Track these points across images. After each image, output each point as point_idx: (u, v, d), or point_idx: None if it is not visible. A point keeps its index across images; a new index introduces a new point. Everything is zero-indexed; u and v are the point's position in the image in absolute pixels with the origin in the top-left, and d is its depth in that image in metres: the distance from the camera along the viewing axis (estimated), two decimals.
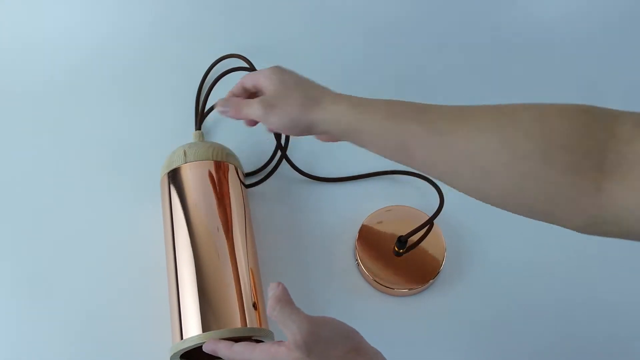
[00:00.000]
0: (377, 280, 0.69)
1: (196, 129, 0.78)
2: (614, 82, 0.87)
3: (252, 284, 0.63)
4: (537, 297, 0.71)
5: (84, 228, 0.73)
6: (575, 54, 0.89)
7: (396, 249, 0.69)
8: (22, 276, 0.70)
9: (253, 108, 0.58)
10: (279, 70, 0.58)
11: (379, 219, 0.73)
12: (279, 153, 0.75)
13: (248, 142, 0.79)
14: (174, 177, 0.67)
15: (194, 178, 0.66)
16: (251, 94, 0.62)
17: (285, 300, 0.47)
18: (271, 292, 0.48)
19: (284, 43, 0.88)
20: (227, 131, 0.81)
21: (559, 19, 0.92)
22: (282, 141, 0.74)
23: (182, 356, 0.60)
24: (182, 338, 0.59)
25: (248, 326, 0.59)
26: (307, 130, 0.56)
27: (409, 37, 0.90)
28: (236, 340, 0.57)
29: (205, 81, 0.83)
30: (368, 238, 0.71)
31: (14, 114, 0.81)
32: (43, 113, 0.81)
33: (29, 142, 0.79)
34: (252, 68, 0.76)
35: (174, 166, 0.67)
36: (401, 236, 0.68)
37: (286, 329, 0.46)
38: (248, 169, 0.77)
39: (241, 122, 0.81)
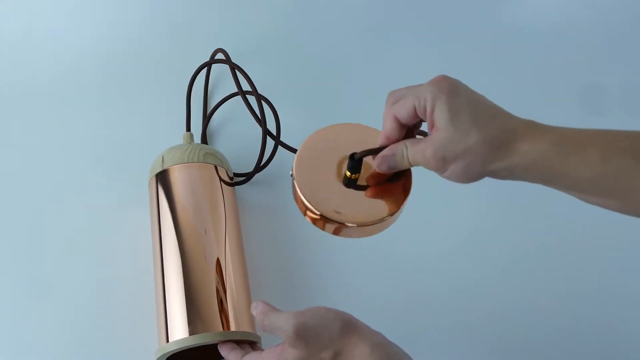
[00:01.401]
0: (322, 212, 0.50)
1: (187, 130, 0.78)
2: (614, 81, 0.86)
3: (240, 287, 0.62)
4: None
5: (73, 229, 0.73)
6: (575, 53, 0.88)
7: (347, 173, 0.51)
8: (10, 277, 0.70)
9: (421, 160, 0.46)
10: (451, 91, 0.44)
11: (324, 138, 0.54)
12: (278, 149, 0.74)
13: (252, 142, 0.78)
14: (162, 179, 0.67)
15: (182, 180, 0.66)
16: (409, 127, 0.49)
17: (269, 310, 0.50)
18: (254, 312, 0.52)
19: (276, 39, 0.88)
20: (231, 133, 0.80)
21: (558, 17, 0.91)
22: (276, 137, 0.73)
23: (168, 359, 0.60)
24: (168, 340, 0.58)
25: (235, 329, 0.59)
26: (491, 175, 0.46)
27: (399, 34, 0.90)
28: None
29: (195, 82, 0.82)
30: (310, 164, 0.52)
31: (3, 113, 0.81)
32: (33, 113, 0.81)
33: (18, 143, 0.79)
34: (227, 60, 0.75)
35: (156, 170, 0.68)
36: (355, 154, 0.50)
37: (277, 332, 0.49)
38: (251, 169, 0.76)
39: (245, 125, 0.79)
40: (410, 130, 0.48)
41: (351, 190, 0.51)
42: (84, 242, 0.72)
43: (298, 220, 0.73)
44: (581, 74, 0.87)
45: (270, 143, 0.72)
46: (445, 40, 0.90)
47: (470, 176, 0.45)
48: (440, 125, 0.44)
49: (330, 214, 0.50)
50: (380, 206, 0.51)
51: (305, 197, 0.50)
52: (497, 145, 0.43)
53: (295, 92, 0.83)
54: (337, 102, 0.84)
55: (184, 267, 0.61)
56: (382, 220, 0.50)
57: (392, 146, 0.48)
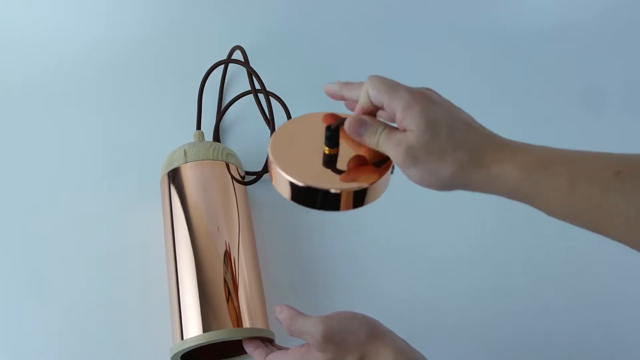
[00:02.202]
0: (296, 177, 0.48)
1: (197, 129, 0.78)
2: (614, 81, 0.87)
3: (253, 284, 0.62)
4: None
5: (84, 228, 0.73)
6: (575, 53, 0.89)
7: (326, 150, 0.50)
8: (21, 277, 0.70)
9: (390, 148, 0.44)
10: (427, 103, 0.43)
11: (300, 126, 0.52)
12: None
13: (263, 140, 0.78)
14: (174, 176, 0.67)
15: (194, 177, 0.66)
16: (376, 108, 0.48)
17: (295, 314, 0.52)
18: (280, 316, 0.53)
19: (286, 36, 0.88)
20: (241, 130, 0.81)
21: (558, 18, 0.92)
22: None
23: (182, 356, 0.60)
24: (182, 338, 0.59)
25: (249, 326, 0.59)
26: (455, 188, 0.45)
27: (409, 33, 0.90)
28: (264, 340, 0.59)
29: (207, 80, 0.82)
30: (286, 146, 0.50)
31: (11, 113, 0.81)
32: (40, 112, 0.81)
33: (27, 143, 0.79)
34: (246, 62, 0.76)
35: (174, 166, 0.67)
36: (330, 125, 0.48)
37: (305, 336, 0.50)
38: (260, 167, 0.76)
39: (255, 122, 0.80)
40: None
41: (329, 170, 0.49)
42: (95, 240, 0.72)
43: (309, 217, 0.74)
44: (581, 74, 0.88)
45: None
46: (446, 41, 0.90)
47: (438, 180, 0.44)
48: (416, 130, 0.43)
49: (316, 183, 0.47)
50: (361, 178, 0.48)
51: (286, 172, 0.47)
52: (469, 159, 0.43)
53: (309, 91, 0.83)
54: None
55: (197, 264, 0.61)
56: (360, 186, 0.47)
57: (371, 118, 0.47)
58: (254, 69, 0.74)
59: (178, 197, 0.65)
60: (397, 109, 0.44)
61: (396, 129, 0.46)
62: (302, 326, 0.50)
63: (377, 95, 0.46)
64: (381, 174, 0.48)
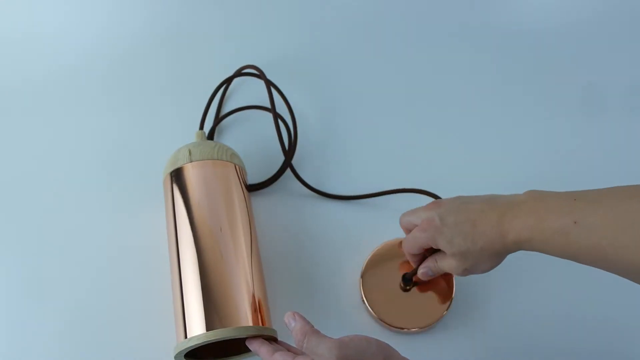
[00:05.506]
0: (382, 319, 0.67)
1: (200, 129, 0.78)
2: (614, 81, 0.87)
3: (256, 283, 0.63)
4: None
5: (86, 228, 0.73)
6: (575, 52, 0.89)
7: (402, 285, 0.67)
8: (24, 277, 0.70)
9: (450, 270, 0.59)
10: (438, 229, 0.56)
11: (385, 251, 0.70)
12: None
13: (261, 152, 0.79)
14: (178, 176, 0.67)
15: (198, 177, 0.66)
16: None
17: (310, 331, 0.51)
18: (291, 325, 0.52)
19: (293, 44, 0.89)
20: (239, 137, 0.81)
21: (558, 17, 0.92)
22: (289, 148, 0.75)
23: (186, 355, 0.61)
24: (186, 337, 0.59)
25: (252, 325, 0.59)
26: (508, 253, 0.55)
27: (410, 32, 0.90)
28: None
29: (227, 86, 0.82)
30: (373, 273, 0.69)
31: (13, 112, 0.81)
32: (42, 112, 0.81)
33: (30, 142, 0.79)
34: (262, 75, 0.77)
35: (178, 165, 0.67)
36: (406, 273, 0.66)
37: (317, 357, 0.49)
38: (259, 179, 0.76)
39: (253, 129, 0.80)
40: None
41: (409, 296, 0.67)
42: (98, 240, 0.73)
43: (309, 218, 0.74)
44: (581, 73, 0.88)
45: (280, 159, 0.75)
46: (445, 40, 0.90)
47: (494, 263, 0.56)
48: (446, 252, 0.57)
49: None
50: (440, 301, 0.67)
51: (383, 319, 0.67)
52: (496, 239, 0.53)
53: (318, 113, 0.83)
54: (357, 119, 0.83)
55: (200, 263, 0.61)
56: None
57: (425, 264, 0.62)
58: (274, 83, 0.75)
59: (181, 197, 0.66)
60: (426, 244, 0.59)
61: (440, 254, 0.60)
62: (316, 347, 0.50)
63: (414, 249, 0.62)
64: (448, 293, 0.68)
